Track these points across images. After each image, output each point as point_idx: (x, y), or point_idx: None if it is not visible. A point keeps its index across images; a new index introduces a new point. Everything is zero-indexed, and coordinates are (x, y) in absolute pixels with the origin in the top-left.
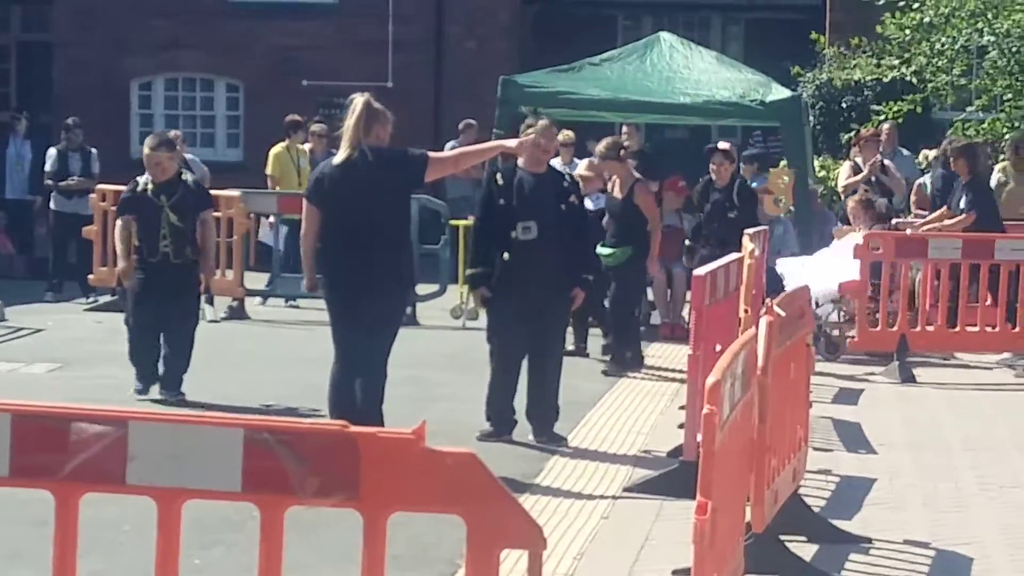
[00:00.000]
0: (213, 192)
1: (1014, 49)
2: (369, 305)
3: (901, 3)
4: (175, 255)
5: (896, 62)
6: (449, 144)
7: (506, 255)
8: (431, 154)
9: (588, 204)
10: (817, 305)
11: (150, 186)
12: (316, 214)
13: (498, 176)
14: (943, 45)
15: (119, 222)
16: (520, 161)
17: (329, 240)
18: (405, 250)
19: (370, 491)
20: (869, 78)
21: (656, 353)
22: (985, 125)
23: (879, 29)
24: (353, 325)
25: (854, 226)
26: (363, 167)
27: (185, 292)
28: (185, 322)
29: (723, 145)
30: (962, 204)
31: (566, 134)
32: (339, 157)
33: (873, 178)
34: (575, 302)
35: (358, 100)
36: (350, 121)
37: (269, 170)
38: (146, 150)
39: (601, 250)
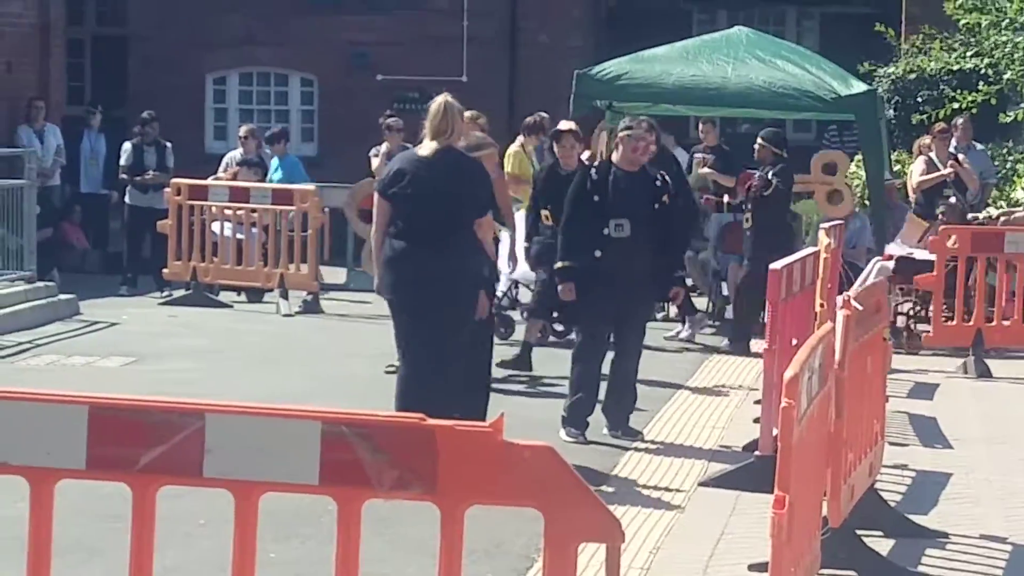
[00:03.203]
0: (288, 187)
1: None
2: (443, 307)
3: None
4: None
5: (969, 53)
6: (519, 138)
7: (598, 252)
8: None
9: None
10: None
11: None
12: (388, 209)
13: (592, 172)
14: (1015, 33)
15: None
16: (615, 158)
17: (402, 236)
18: (472, 253)
19: (447, 484)
20: (943, 70)
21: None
22: None
23: (947, 10)
24: (428, 327)
25: None
26: (446, 165)
27: None
28: None
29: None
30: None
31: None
32: (424, 151)
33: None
34: (676, 300)
35: (439, 99)
36: (445, 119)
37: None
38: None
39: None
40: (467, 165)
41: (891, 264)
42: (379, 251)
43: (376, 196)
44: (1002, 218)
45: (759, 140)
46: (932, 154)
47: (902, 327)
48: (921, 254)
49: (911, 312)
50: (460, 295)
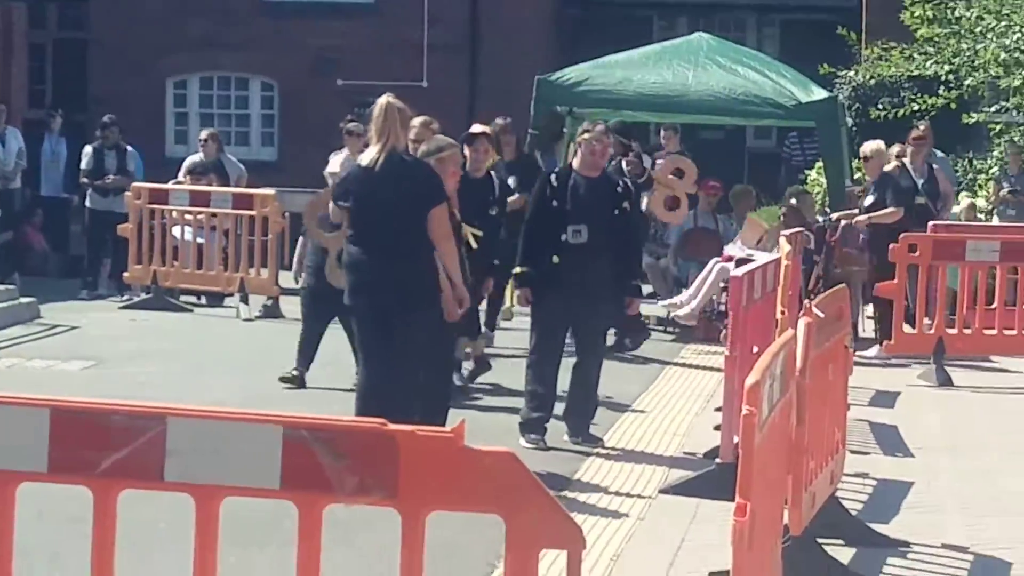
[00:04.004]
0: (248, 191)
1: None
2: (398, 311)
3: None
4: None
5: (929, 61)
6: None
7: (556, 258)
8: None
9: None
10: None
11: None
12: (343, 216)
13: (552, 178)
14: (975, 41)
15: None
16: (575, 164)
17: (356, 243)
18: (425, 258)
19: (408, 489)
20: (903, 76)
21: (691, 354)
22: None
23: (905, 20)
24: (378, 331)
25: None
26: (389, 170)
27: None
28: None
29: (480, 128)
30: None
31: None
32: (365, 159)
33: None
34: (630, 309)
35: (381, 101)
36: (376, 123)
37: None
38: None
39: None
40: (409, 168)
41: (731, 265)
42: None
43: (331, 204)
44: (843, 221)
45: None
46: (906, 159)
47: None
48: (762, 256)
49: None
50: (414, 299)
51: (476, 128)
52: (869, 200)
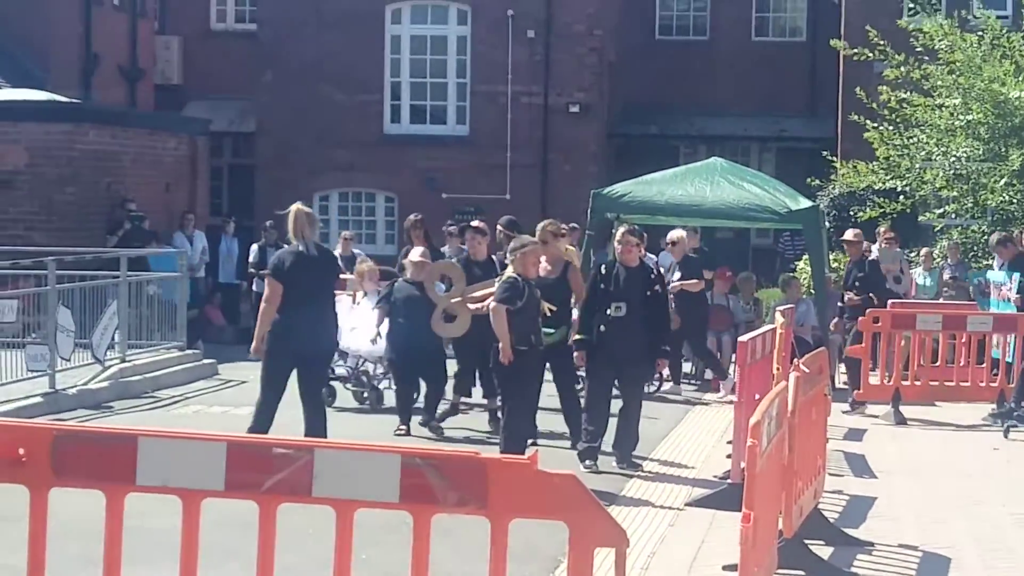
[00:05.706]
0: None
1: (959, 169)
2: (315, 360)
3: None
4: None
5: (888, 177)
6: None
7: (602, 327)
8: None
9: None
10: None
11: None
12: (280, 289)
13: (602, 268)
14: (921, 161)
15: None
16: (618, 256)
17: (287, 310)
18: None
19: (496, 502)
20: (868, 188)
21: (708, 401)
22: (972, 229)
23: (870, 141)
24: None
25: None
26: (314, 256)
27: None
28: None
29: (474, 223)
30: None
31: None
32: (295, 248)
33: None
34: (659, 367)
35: (293, 207)
36: (296, 223)
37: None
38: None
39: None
40: (326, 253)
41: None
42: (267, 322)
43: (271, 280)
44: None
45: (499, 227)
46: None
47: None
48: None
49: None
50: (324, 355)
51: (474, 223)
52: (678, 275)
